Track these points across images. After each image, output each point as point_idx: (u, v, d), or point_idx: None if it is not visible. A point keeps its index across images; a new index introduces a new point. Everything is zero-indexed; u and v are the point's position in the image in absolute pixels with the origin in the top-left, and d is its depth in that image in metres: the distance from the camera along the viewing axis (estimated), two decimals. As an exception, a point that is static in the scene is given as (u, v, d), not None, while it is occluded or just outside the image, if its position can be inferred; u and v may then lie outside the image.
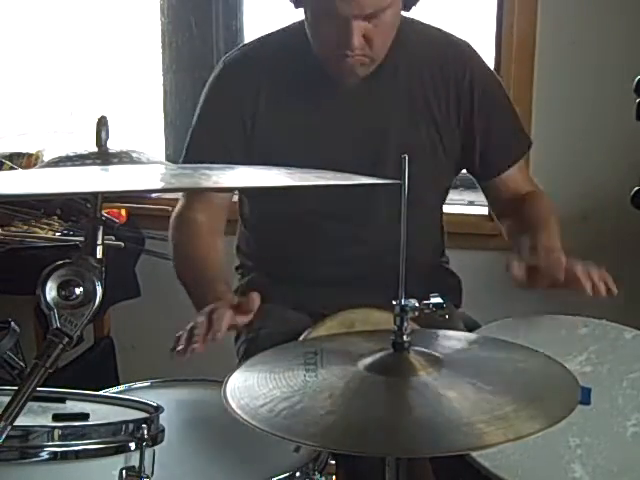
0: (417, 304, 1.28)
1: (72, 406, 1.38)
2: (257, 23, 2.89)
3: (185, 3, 2.94)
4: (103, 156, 1.20)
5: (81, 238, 1.14)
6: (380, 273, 1.78)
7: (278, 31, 1.94)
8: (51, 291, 1.08)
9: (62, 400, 1.39)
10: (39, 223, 2.70)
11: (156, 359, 2.76)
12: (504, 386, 1.22)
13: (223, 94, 1.92)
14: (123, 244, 2.59)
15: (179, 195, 2.04)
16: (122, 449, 1.29)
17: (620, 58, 2.45)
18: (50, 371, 1.08)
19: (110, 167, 1.18)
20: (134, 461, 1.30)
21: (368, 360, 1.27)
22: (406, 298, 1.27)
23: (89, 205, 1.11)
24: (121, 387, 1.71)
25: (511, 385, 1.22)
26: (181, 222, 1.92)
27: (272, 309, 1.85)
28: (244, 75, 1.89)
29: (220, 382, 1.28)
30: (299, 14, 1.80)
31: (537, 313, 1.80)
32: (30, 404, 1.12)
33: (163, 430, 1.35)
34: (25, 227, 2.69)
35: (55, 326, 1.08)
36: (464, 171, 2.01)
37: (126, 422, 1.30)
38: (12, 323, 2.09)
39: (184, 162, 1.93)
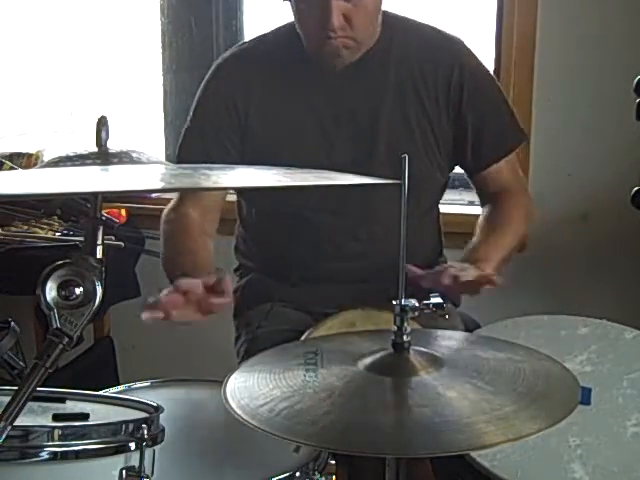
0: (417, 304, 1.28)
1: (72, 406, 1.38)
2: (257, 23, 2.89)
3: (185, 3, 2.94)
4: (103, 156, 1.20)
5: (81, 238, 1.14)
6: (380, 272, 1.78)
7: (272, 30, 1.97)
8: (51, 291, 1.08)
9: (62, 400, 1.39)
10: (39, 223, 2.70)
11: (156, 359, 2.79)
12: (504, 386, 1.22)
13: (216, 92, 1.93)
14: (123, 244, 2.59)
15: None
16: (122, 449, 1.29)
17: (620, 58, 2.45)
18: (50, 371, 1.08)
19: (110, 167, 1.18)
20: (134, 461, 1.30)
21: (368, 360, 1.27)
22: (406, 298, 1.27)
23: (89, 205, 1.11)
24: (121, 387, 1.70)
25: (511, 385, 1.22)
26: (173, 217, 1.90)
27: (272, 309, 1.86)
28: (236, 73, 1.91)
29: (220, 382, 1.28)
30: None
31: (537, 313, 1.80)
32: (30, 404, 1.12)
33: (163, 430, 1.35)
34: (25, 227, 2.69)
35: (55, 326, 1.08)
36: (463, 171, 2.01)
37: (126, 422, 1.30)
38: (12, 323, 2.09)
39: (178, 158, 1.94)
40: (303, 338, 1.71)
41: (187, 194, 1.91)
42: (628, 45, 2.46)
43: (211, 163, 1.29)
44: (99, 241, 1.10)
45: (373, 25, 1.81)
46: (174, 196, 1.99)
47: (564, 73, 2.55)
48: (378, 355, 1.27)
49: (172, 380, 1.74)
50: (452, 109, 1.89)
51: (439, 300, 1.33)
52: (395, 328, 1.26)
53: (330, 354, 1.33)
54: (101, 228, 1.10)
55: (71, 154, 1.21)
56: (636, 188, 2.07)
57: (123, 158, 1.20)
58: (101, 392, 1.53)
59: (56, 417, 1.31)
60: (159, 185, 1.15)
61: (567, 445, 1.48)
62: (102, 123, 1.21)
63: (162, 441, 1.34)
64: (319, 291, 1.91)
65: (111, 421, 1.31)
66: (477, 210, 2.65)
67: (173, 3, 2.94)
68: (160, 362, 2.71)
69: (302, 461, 1.46)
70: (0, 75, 3.16)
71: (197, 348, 2.64)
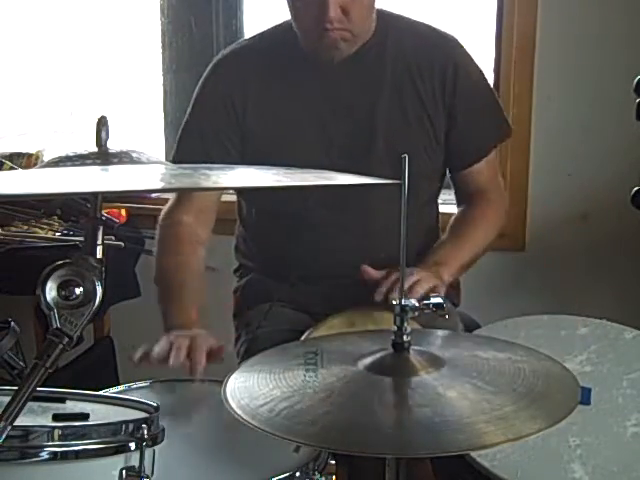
0: (417, 304, 1.28)
1: (72, 406, 1.38)
2: (257, 22, 2.89)
3: (185, 3, 2.94)
4: (103, 156, 1.20)
5: (81, 238, 1.14)
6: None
7: (270, 28, 1.98)
8: (51, 291, 1.08)
9: (62, 400, 1.38)
10: (39, 223, 2.70)
11: (156, 359, 2.78)
12: (504, 386, 1.21)
13: (214, 90, 1.93)
14: (123, 244, 2.59)
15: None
16: (122, 449, 1.29)
17: (620, 58, 2.45)
18: (50, 371, 1.08)
19: (110, 167, 1.18)
20: (134, 461, 1.29)
21: (368, 360, 1.27)
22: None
23: (89, 205, 1.11)
24: (121, 387, 1.70)
25: (511, 385, 1.22)
26: (168, 224, 1.94)
27: (272, 309, 1.86)
28: (234, 70, 1.92)
29: (220, 382, 1.28)
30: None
31: (537, 313, 1.80)
32: (30, 404, 1.12)
33: (163, 430, 1.35)
34: (25, 227, 2.69)
35: (55, 326, 1.08)
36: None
37: (126, 422, 1.30)
38: (12, 323, 2.09)
39: (176, 156, 1.95)
40: (303, 338, 1.71)
41: (184, 196, 1.92)
42: (628, 45, 2.46)
43: (211, 163, 1.29)
44: (99, 241, 1.10)
45: (369, 18, 1.83)
46: (172, 196, 1.99)
47: (564, 73, 2.55)
48: (378, 355, 1.27)
49: (172, 380, 1.73)
50: (446, 105, 1.90)
51: (439, 300, 1.33)
52: (395, 328, 1.26)
53: (330, 354, 1.32)
54: (101, 228, 1.10)
55: (71, 154, 1.21)
56: (636, 188, 2.07)
57: (123, 158, 1.20)
58: (101, 392, 1.53)
59: (56, 417, 1.31)
60: (159, 185, 1.15)
61: (567, 445, 1.48)
62: (102, 123, 1.21)
63: (162, 441, 1.34)
64: (319, 291, 1.91)
65: (111, 421, 1.30)
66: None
67: (173, 3, 2.95)
68: (160, 362, 2.70)
69: (302, 461, 1.45)
70: (0, 75, 3.16)
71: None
